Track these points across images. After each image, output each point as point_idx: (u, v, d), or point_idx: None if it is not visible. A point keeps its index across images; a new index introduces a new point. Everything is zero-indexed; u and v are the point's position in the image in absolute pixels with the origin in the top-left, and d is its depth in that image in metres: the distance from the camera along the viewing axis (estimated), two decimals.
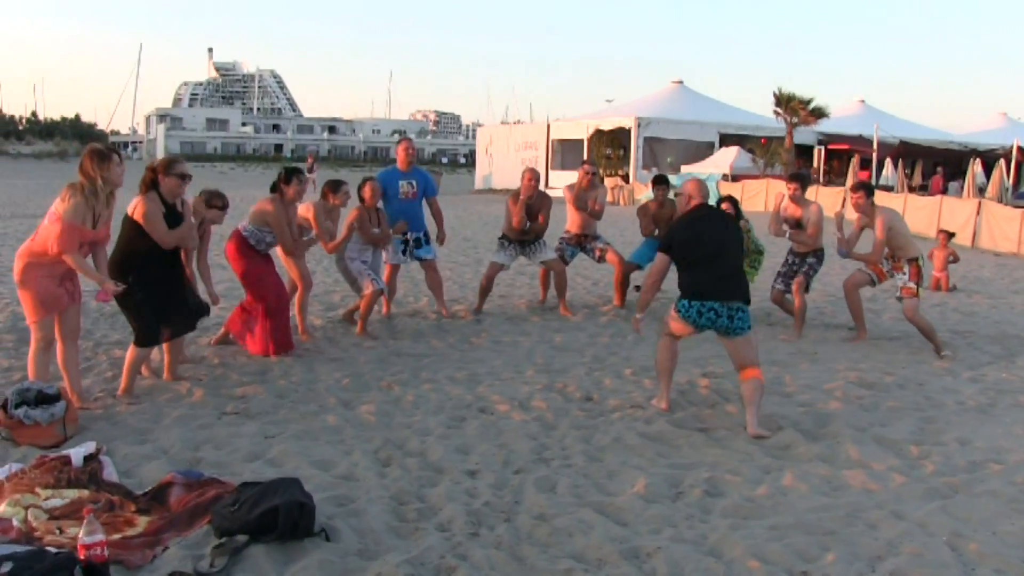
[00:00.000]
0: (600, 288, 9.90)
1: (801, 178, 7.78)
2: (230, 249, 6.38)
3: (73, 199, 4.69)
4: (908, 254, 6.94)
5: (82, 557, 2.95)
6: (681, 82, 36.67)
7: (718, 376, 6.04)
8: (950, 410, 5.41)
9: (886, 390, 5.84)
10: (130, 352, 5.29)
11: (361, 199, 7.23)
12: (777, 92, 29.21)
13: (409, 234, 7.77)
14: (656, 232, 8.55)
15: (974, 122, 40.76)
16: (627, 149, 32.29)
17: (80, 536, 2.98)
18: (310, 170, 31.24)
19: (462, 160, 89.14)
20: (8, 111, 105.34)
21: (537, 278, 9.26)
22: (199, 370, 5.93)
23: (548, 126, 35.75)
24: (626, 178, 31.08)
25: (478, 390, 5.60)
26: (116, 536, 3.33)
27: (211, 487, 3.76)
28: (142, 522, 3.51)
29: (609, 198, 23.05)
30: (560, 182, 10.39)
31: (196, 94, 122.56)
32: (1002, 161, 24.64)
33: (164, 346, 5.58)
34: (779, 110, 29.21)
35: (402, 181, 7.78)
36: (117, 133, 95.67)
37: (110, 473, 4.00)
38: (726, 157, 29.31)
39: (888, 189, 24.34)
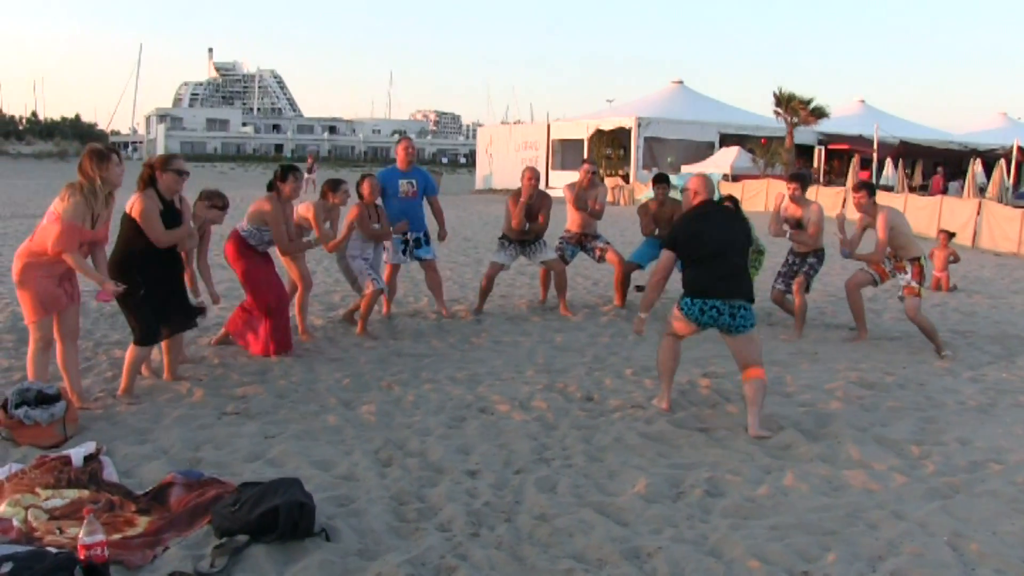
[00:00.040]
0: (600, 288, 9.90)
1: (801, 178, 7.77)
2: (229, 250, 6.38)
3: (72, 199, 4.69)
4: (910, 254, 6.93)
5: (82, 557, 2.95)
6: (681, 82, 36.67)
7: (719, 376, 6.04)
8: (951, 410, 5.41)
9: (887, 390, 5.83)
10: (130, 352, 5.29)
11: (360, 195, 7.24)
12: (777, 92, 29.22)
13: (409, 234, 7.77)
14: (656, 231, 8.55)
15: (974, 122, 40.75)
16: (627, 149, 32.28)
17: (80, 536, 2.98)
18: (310, 170, 31.30)
19: (462, 160, 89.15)
20: (8, 111, 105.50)
21: (537, 278, 9.27)
22: (199, 370, 5.93)
23: (548, 126, 35.73)
24: (626, 178, 31.09)
25: (478, 390, 5.60)
26: (116, 536, 3.33)
27: (211, 487, 3.76)
28: (142, 522, 3.51)
29: (609, 198, 23.07)
30: (560, 182, 10.38)
31: (196, 94, 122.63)
32: (1002, 161, 24.65)
33: (163, 346, 5.59)
34: (779, 110, 29.22)
35: (402, 180, 7.78)
36: (117, 133, 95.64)
37: (110, 473, 4.00)
38: (726, 157, 29.31)
39: (888, 189, 24.35)
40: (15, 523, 3.44)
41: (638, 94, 57.71)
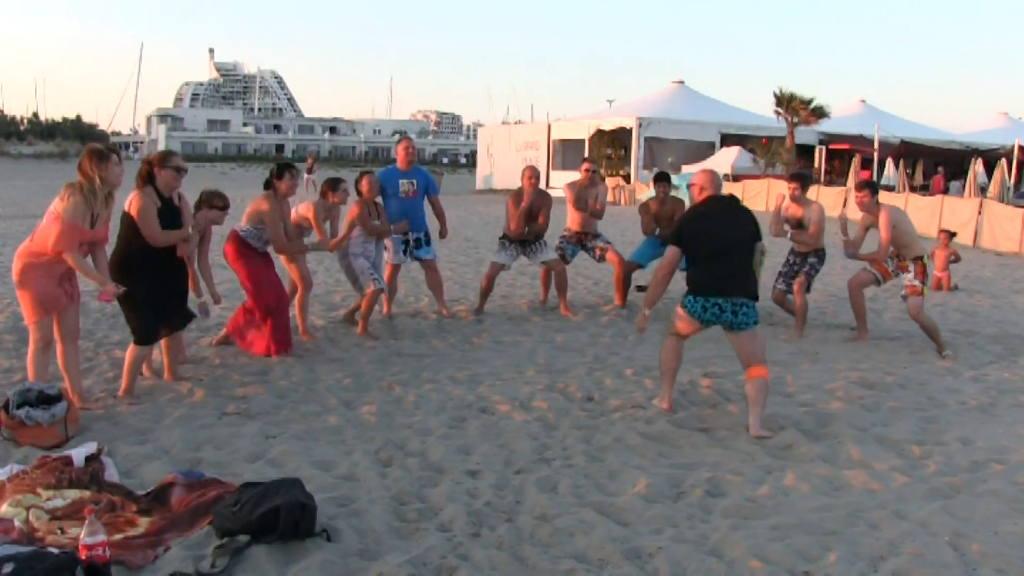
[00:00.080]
0: (601, 288, 9.90)
1: (802, 177, 7.77)
2: (229, 250, 6.37)
3: (72, 198, 4.69)
4: (913, 252, 6.93)
5: (83, 557, 2.95)
6: (682, 82, 36.66)
7: (720, 376, 6.04)
8: (952, 410, 5.41)
9: (887, 390, 5.83)
10: (130, 352, 5.29)
11: (359, 192, 7.25)
12: (778, 92, 29.23)
13: (410, 234, 7.77)
14: (657, 231, 8.55)
15: (975, 122, 40.70)
16: (628, 149, 32.27)
17: (81, 536, 2.98)
18: (310, 170, 31.26)
19: (463, 160, 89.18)
20: (9, 112, 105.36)
21: (538, 278, 9.26)
22: (200, 370, 5.93)
23: (549, 126, 35.73)
24: (627, 178, 31.07)
25: (479, 390, 5.60)
26: (117, 536, 3.33)
27: (212, 487, 3.76)
28: (143, 522, 3.51)
29: (610, 198, 23.05)
30: (561, 182, 10.38)
31: (197, 94, 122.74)
32: (1003, 161, 24.64)
33: (163, 347, 5.59)
34: (780, 110, 29.22)
35: (402, 180, 7.78)
36: (118, 134, 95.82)
37: (111, 473, 4.00)
38: (727, 157, 29.29)
39: (889, 189, 24.34)
40: (16, 523, 3.44)
41: (639, 94, 57.71)
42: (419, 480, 4.08)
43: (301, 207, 6.98)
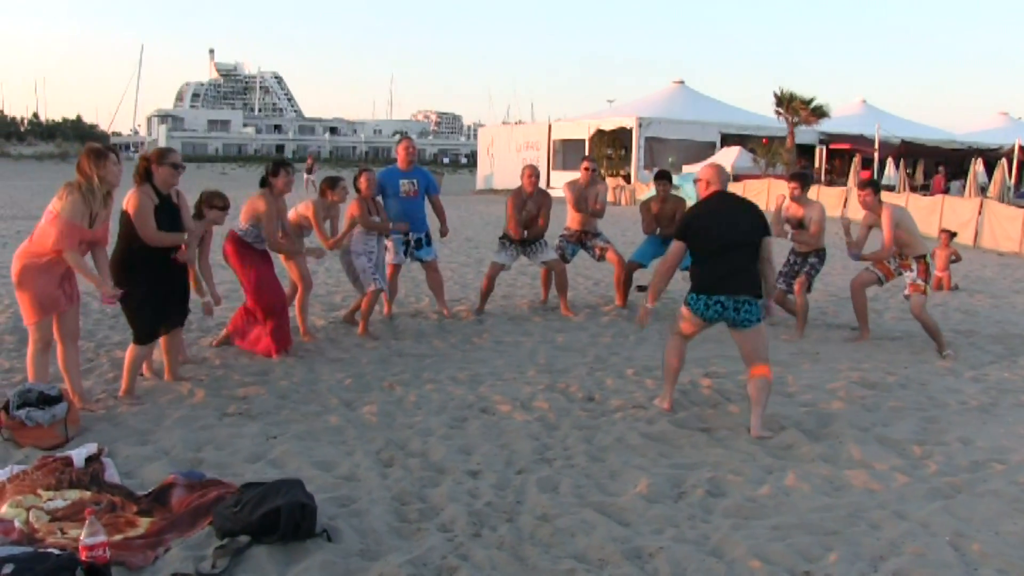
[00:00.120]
0: (602, 288, 9.89)
1: (802, 177, 7.76)
2: (228, 251, 6.37)
3: (70, 196, 4.68)
4: (915, 251, 6.93)
5: (84, 558, 2.95)
6: (682, 82, 36.66)
7: (720, 376, 6.04)
8: (952, 410, 5.40)
9: (888, 390, 5.83)
10: (129, 352, 5.29)
11: (357, 190, 7.25)
12: (778, 92, 29.22)
13: (411, 235, 7.77)
14: (658, 230, 8.54)
15: (975, 122, 40.71)
16: (628, 149, 32.27)
17: (82, 537, 2.98)
18: (309, 171, 31.29)
19: (463, 160, 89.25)
20: (9, 112, 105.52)
21: (538, 278, 9.26)
22: (200, 371, 5.93)
23: (549, 126, 35.73)
24: (627, 178, 31.07)
25: (480, 390, 5.60)
26: (118, 537, 3.33)
27: (213, 488, 3.76)
28: (144, 523, 3.51)
29: (610, 198, 23.03)
30: (561, 182, 10.36)
31: (198, 95, 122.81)
32: (1004, 160, 24.63)
33: (163, 347, 5.59)
34: (780, 110, 29.22)
35: (403, 180, 7.78)
36: (119, 134, 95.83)
37: (112, 474, 4.00)
38: (727, 157, 29.26)
39: (890, 189, 24.32)
40: (17, 524, 3.44)
41: (639, 94, 57.79)
42: (420, 480, 4.08)
43: (301, 206, 6.98)
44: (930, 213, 17.40)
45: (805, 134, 30.60)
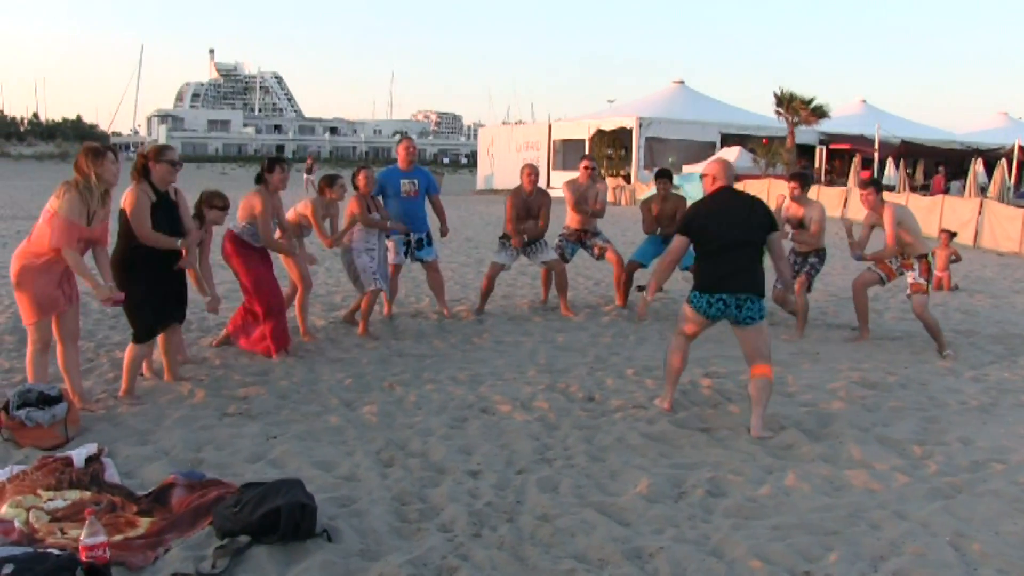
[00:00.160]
0: (602, 288, 9.89)
1: (802, 177, 7.76)
2: (227, 250, 6.36)
3: (68, 195, 4.67)
4: (917, 251, 6.94)
5: (84, 558, 2.95)
6: (682, 82, 36.67)
7: (721, 376, 6.04)
8: (952, 410, 5.40)
9: (888, 390, 5.83)
10: (129, 352, 5.29)
11: (355, 187, 7.26)
12: (778, 92, 29.22)
13: (412, 235, 7.77)
14: (659, 230, 8.53)
15: (975, 122, 40.72)
16: (628, 149, 32.28)
17: (82, 537, 2.98)
18: (309, 171, 31.29)
19: (463, 160, 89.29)
20: (9, 112, 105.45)
21: (538, 278, 9.26)
22: (200, 371, 5.93)
23: (550, 126, 35.74)
24: (627, 178, 31.08)
25: (480, 390, 5.60)
26: (118, 537, 3.33)
27: (213, 488, 3.75)
28: (144, 523, 3.51)
29: (610, 198, 23.05)
30: (561, 182, 10.35)
31: (198, 95, 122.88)
32: (1004, 160, 24.63)
33: (161, 348, 5.58)
34: (780, 110, 29.23)
35: (403, 180, 7.77)
36: (119, 134, 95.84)
37: (112, 474, 4.00)
38: (728, 157, 29.28)
39: (890, 189, 24.32)
40: (16, 524, 3.44)
41: (639, 94, 57.81)
42: (420, 480, 4.08)
43: (300, 206, 6.98)
44: (930, 213, 17.40)
45: (805, 134, 30.60)
